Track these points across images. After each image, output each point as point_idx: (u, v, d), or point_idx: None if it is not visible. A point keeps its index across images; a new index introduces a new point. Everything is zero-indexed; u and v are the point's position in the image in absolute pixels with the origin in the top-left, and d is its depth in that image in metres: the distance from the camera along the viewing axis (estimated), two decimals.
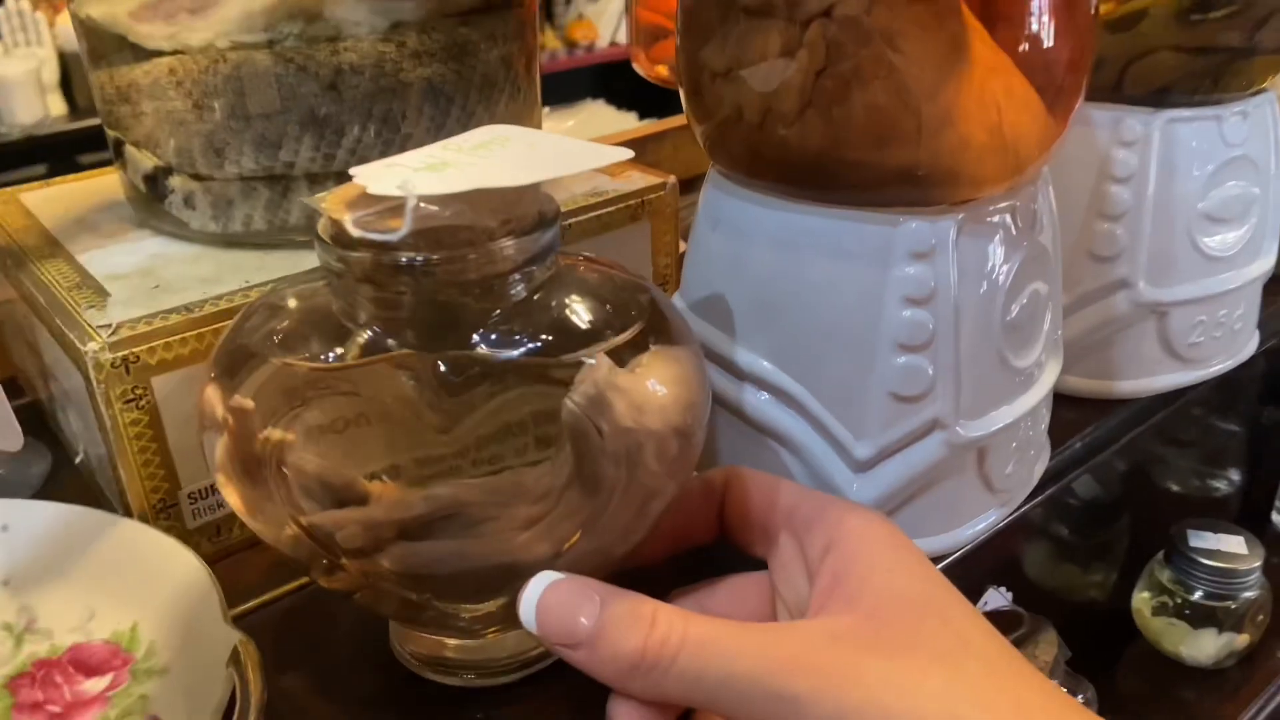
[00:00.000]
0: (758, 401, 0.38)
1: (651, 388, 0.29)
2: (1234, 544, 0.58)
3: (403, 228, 0.26)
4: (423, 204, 0.27)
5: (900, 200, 0.35)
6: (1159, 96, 0.45)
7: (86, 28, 0.43)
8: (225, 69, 0.40)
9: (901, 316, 0.35)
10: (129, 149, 0.43)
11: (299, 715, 0.33)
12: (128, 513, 0.38)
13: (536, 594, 0.28)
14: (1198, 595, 0.58)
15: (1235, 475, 0.73)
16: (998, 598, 0.52)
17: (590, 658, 0.27)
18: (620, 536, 0.30)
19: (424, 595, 0.31)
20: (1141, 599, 0.61)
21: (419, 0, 0.42)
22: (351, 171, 0.27)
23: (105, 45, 0.42)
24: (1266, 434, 0.72)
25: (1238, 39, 0.43)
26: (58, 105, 2.39)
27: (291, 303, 0.31)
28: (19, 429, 0.34)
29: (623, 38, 2.60)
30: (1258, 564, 0.57)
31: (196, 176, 0.42)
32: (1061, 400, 0.48)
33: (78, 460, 0.43)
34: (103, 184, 0.50)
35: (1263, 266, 0.49)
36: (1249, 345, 0.51)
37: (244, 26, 0.40)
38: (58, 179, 0.52)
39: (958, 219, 0.35)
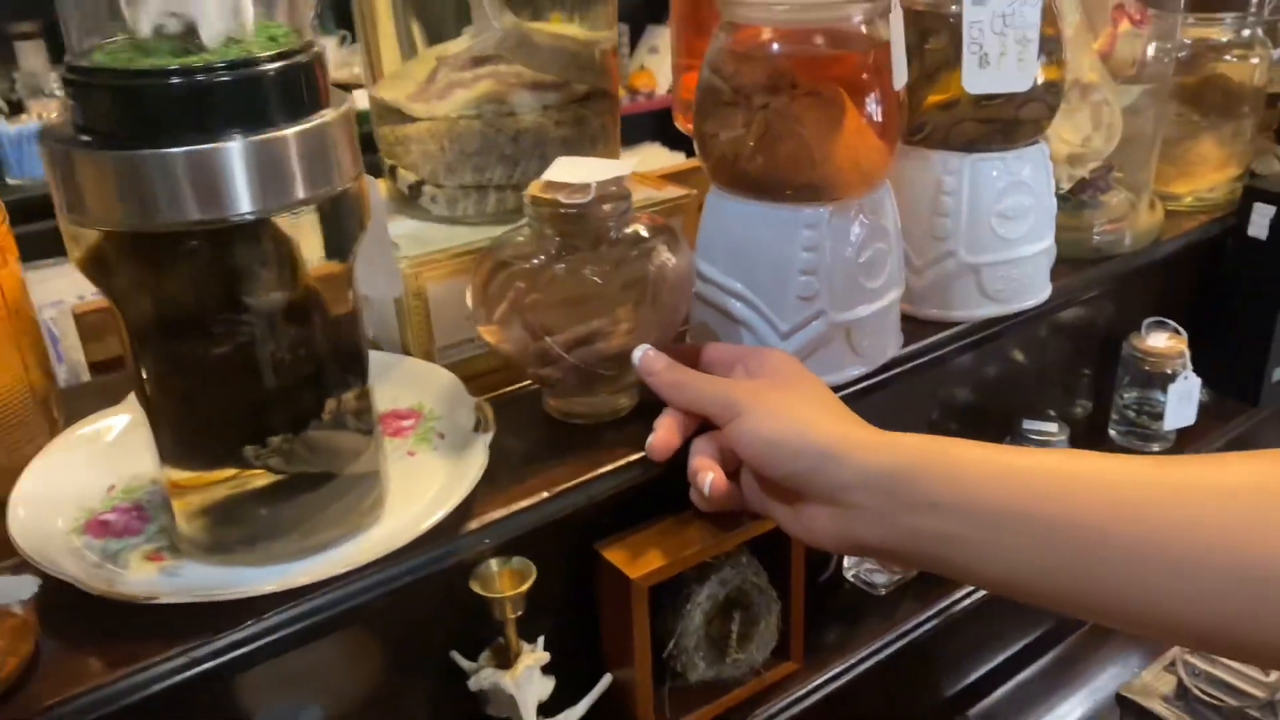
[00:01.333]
0: (733, 304, 0.73)
1: (680, 260, 0.65)
2: (1052, 428, 0.91)
3: (590, 194, 0.62)
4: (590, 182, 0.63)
5: (803, 199, 0.70)
6: (970, 145, 0.79)
7: (378, 103, 0.79)
8: (457, 129, 0.76)
9: (801, 256, 0.70)
10: (400, 170, 0.80)
11: (503, 447, 0.68)
12: (409, 356, 0.73)
13: (639, 354, 0.65)
14: None
15: (1087, 403, 1.06)
16: None
17: (653, 382, 0.64)
18: (665, 330, 0.67)
19: (595, 369, 0.66)
20: None
21: (557, 93, 0.78)
22: (558, 163, 0.64)
23: (389, 113, 0.79)
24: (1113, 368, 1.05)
25: (1009, 113, 0.78)
26: None
27: (511, 241, 0.67)
28: (399, 284, 0.70)
29: None
30: (1064, 437, 0.90)
31: (438, 185, 0.78)
32: (921, 322, 0.83)
33: (370, 335, 0.79)
34: None
35: (1041, 246, 0.82)
36: (1042, 294, 0.85)
37: (465, 106, 0.76)
38: None
39: (830, 209, 0.69)
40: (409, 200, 0.80)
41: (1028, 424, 0.92)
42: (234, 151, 0.48)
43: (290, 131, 0.49)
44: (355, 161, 0.54)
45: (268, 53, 0.49)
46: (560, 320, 0.65)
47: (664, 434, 0.64)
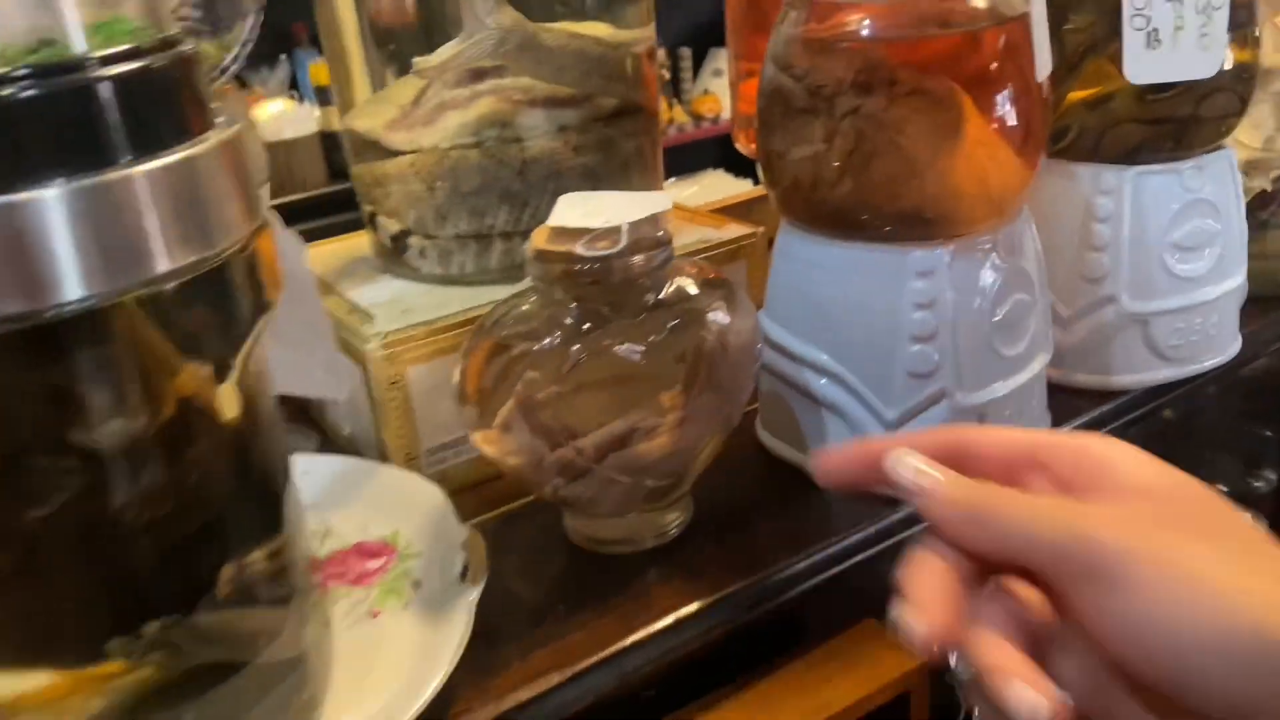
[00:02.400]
0: (816, 381, 0.54)
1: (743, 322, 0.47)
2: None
3: (621, 243, 0.43)
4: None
5: (913, 236, 0.51)
6: (1131, 155, 0.59)
7: (352, 135, 0.62)
8: (449, 162, 0.58)
9: (913, 318, 0.50)
10: (380, 218, 0.62)
11: (505, 591, 0.50)
12: (385, 462, 0.56)
13: (896, 463, 0.34)
14: None
15: (1272, 475, 0.84)
16: None
17: (933, 510, 0.32)
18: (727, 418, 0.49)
19: (638, 480, 0.47)
20: None
21: (576, 111, 0.60)
22: (565, 200, 0.45)
23: (365, 147, 0.62)
24: None
25: (1186, 111, 0.57)
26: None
27: (513, 312, 0.49)
28: (348, 380, 0.52)
29: None
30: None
31: (427, 236, 0.60)
32: (1072, 392, 0.62)
33: (346, 433, 0.62)
34: (349, 246, 0.69)
35: (1231, 285, 0.62)
36: (1230, 348, 0.64)
37: (460, 133, 0.59)
38: (312, 244, 0.72)
39: (951, 249, 0.50)
40: (395, 256, 0.62)
41: None
42: (49, 205, 0.31)
43: (140, 170, 0.32)
44: (250, 212, 0.36)
45: (100, 53, 0.32)
46: (586, 418, 0.46)
47: (939, 612, 0.31)
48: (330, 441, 0.63)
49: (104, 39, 0.34)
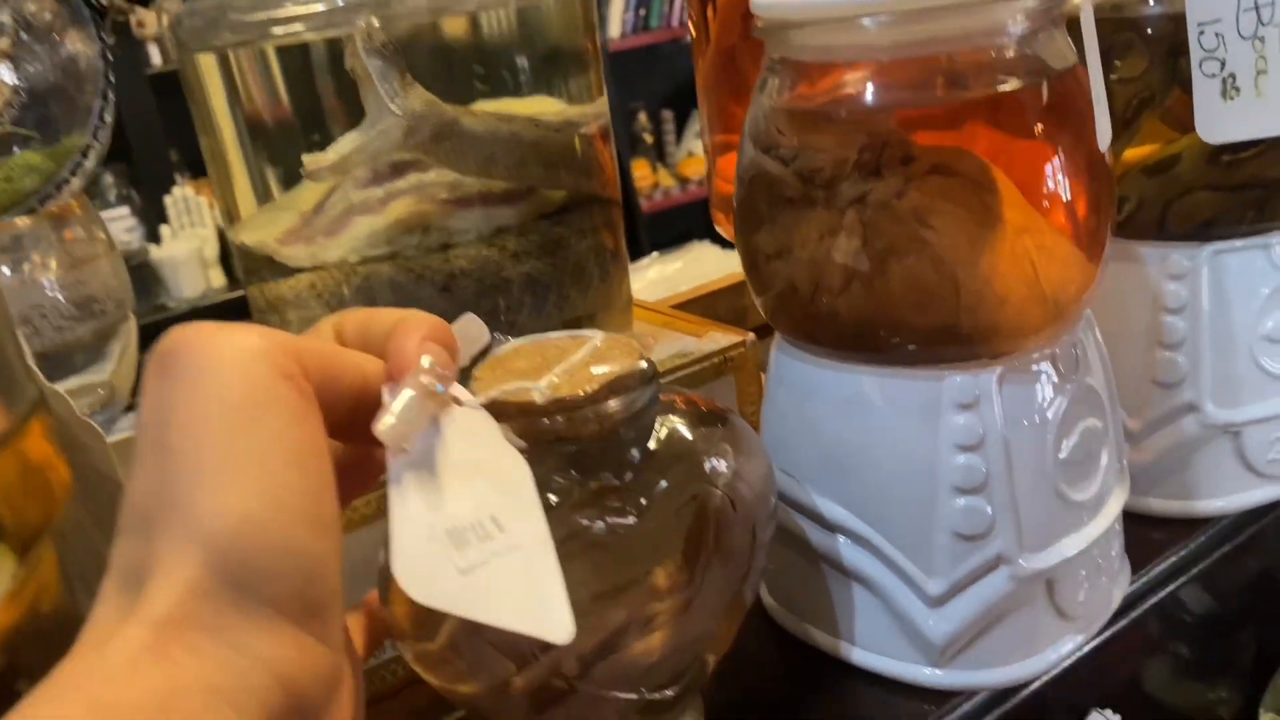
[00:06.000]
0: (835, 544, 0.42)
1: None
2: None
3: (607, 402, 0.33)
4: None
5: (949, 356, 0.39)
6: (1204, 230, 0.47)
7: (241, 251, 0.51)
8: (356, 280, 0.47)
9: (956, 462, 0.38)
10: None
11: None
12: None
13: None
14: None
15: None
16: None
17: None
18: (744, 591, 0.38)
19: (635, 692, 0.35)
20: (1270, 717, 0.60)
21: (517, 207, 0.48)
22: (463, 331, 0.34)
23: (257, 265, 0.50)
24: None
25: (1271, 173, 0.46)
26: (218, 278, 2.62)
27: None
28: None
29: None
30: None
31: None
32: (1146, 522, 0.50)
33: None
34: None
35: None
36: None
37: (370, 243, 0.47)
38: None
39: (998, 371, 0.38)
40: None
41: None
42: None
43: None
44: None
45: None
46: None
47: None
48: None
49: None
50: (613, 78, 2.73)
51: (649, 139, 3.16)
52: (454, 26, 0.47)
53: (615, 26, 2.88)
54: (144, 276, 2.44)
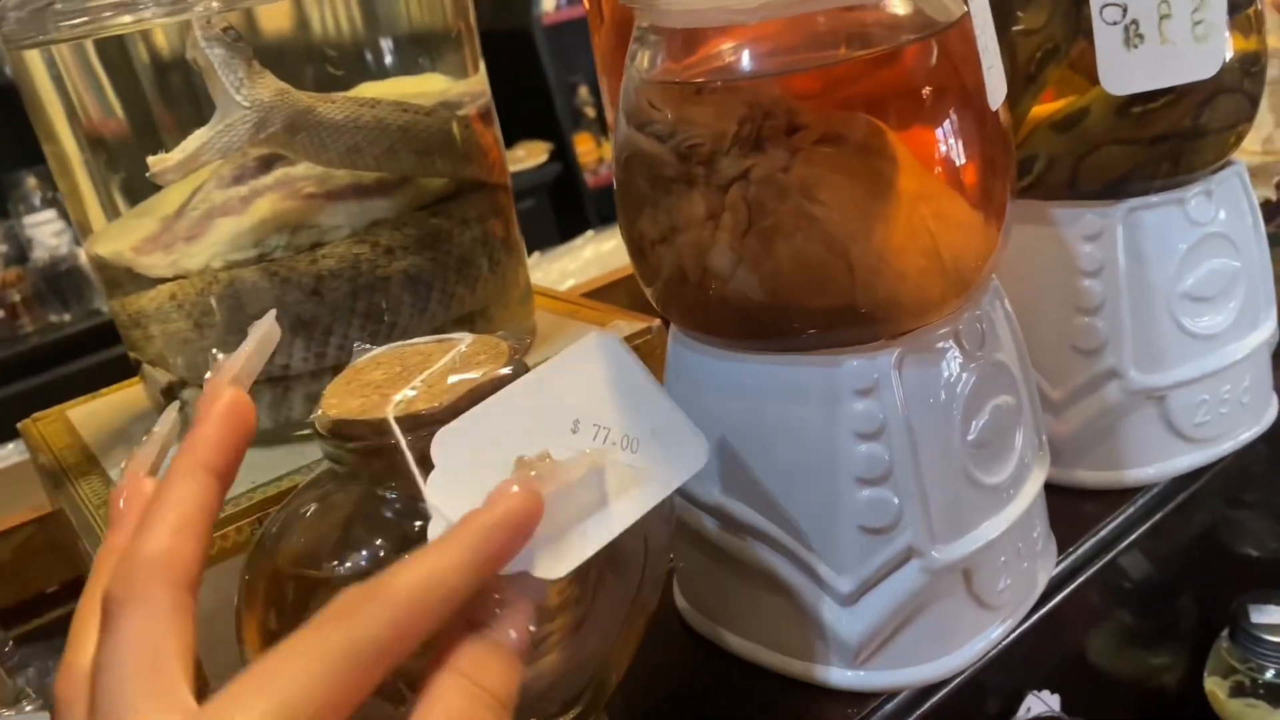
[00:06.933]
0: (742, 543, 0.39)
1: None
2: None
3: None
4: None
5: (848, 339, 0.36)
6: (1117, 187, 0.45)
7: (97, 264, 0.47)
8: (218, 288, 0.43)
9: (857, 452, 0.36)
10: (146, 368, 0.47)
11: None
12: None
13: None
14: (1270, 674, 0.56)
15: None
16: (1039, 704, 0.50)
17: None
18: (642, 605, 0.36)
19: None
20: (1214, 681, 0.59)
21: (392, 198, 0.45)
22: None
23: (116, 277, 0.46)
24: None
25: (1184, 123, 0.44)
26: None
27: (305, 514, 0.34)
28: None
29: None
30: None
31: (201, 386, 0.45)
32: (1075, 494, 0.48)
33: None
34: (127, 400, 0.54)
35: (1261, 336, 0.48)
36: (1267, 414, 0.50)
37: (235, 245, 0.44)
38: (105, 390, 0.56)
39: (896, 352, 0.36)
40: None
41: (1257, 613, 0.57)
42: None
43: None
44: None
45: None
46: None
47: None
48: None
49: None
50: (550, 53, 2.67)
51: (590, 113, 3.10)
52: (305, 7, 0.43)
53: (549, 0, 2.82)
54: (75, 281, 2.36)
